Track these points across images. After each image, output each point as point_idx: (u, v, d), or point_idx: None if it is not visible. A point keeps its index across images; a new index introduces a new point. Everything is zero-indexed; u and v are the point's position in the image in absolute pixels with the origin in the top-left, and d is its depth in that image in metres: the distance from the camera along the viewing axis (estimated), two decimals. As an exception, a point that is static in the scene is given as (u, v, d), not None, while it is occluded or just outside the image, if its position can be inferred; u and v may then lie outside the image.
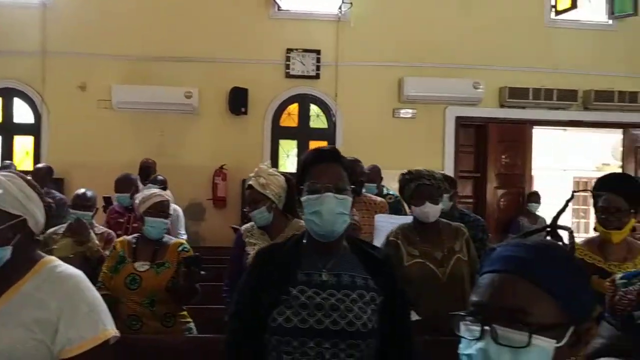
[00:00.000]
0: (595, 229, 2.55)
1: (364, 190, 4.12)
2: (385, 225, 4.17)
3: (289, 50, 6.76)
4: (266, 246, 1.80)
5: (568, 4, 6.80)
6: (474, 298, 0.93)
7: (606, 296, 1.72)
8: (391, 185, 5.62)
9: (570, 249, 0.97)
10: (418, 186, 2.74)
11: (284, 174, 2.94)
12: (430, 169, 2.87)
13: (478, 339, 0.88)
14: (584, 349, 0.94)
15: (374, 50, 6.78)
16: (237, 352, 1.62)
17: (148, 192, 2.93)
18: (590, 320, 0.94)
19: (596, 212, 2.50)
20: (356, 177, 4.21)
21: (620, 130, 7.39)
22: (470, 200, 7.11)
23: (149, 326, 2.69)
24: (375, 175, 4.72)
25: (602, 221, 2.45)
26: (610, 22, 7.15)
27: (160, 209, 2.81)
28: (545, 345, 0.86)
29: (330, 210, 1.58)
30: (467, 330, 0.90)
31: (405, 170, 2.87)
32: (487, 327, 0.87)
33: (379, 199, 4.19)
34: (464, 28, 6.85)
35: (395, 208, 4.58)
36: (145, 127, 6.67)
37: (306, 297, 1.57)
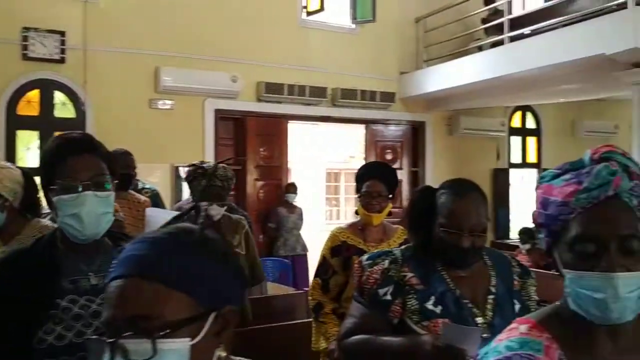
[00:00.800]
0: (357, 213, 2.73)
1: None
2: (157, 219, 3.97)
3: (27, 29, 5.95)
4: (6, 255, 1.48)
5: (317, 6, 7.24)
6: (103, 313, 0.82)
7: (354, 277, 1.81)
8: (148, 179, 5.36)
9: (201, 231, 0.89)
10: (210, 186, 2.69)
11: (21, 168, 2.54)
12: (224, 166, 2.84)
13: None
14: (231, 331, 0.88)
15: (127, 36, 6.35)
16: None
17: None
18: (235, 302, 0.88)
19: (359, 197, 2.66)
20: (120, 168, 3.94)
21: (363, 126, 8.16)
22: (232, 193, 7.15)
23: None
24: (130, 169, 4.43)
25: (366, 205, 2.62)
26: (354, 26, 7.83)
27: None
28: (177, 346, 0.79)
29: (92, 212, 1.37)
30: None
31: (197, 162, 2.81)
32: (115, 345, 0.77)
33: (142, 197, 3.99)
34: (222, 21, 6.84)
35: (153, 202, 4.40)
36: None
37: (80, 307, 1.36)
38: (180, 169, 6.52)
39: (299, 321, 2.96)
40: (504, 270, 1.73)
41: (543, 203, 1.00)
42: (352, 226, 2.75)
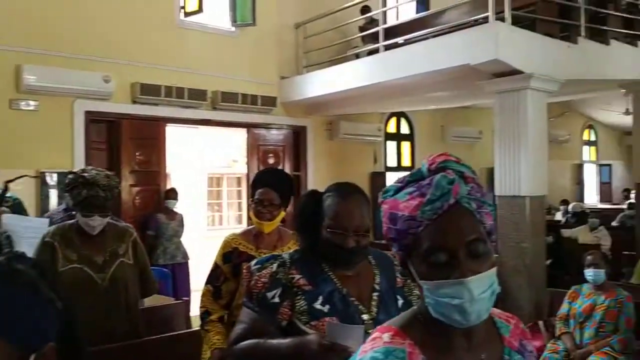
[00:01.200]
0: (250, 219, 2.71)
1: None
2: (16, 228, 3.64)
3: None
4: None
5: (196, 7, 7.08)
6: None
7: (243, 282, 1.82)
8: (11, 186, 4.91)
9: (8, 261, 0.77)
10: (91, 197, 2.57)
11: None
12: (108, 174, 2.69)
13: None
14: None
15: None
16: None
17: None
18: (53, 337, 0.78)
19: (253, 203, 2.64)
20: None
21: (245, 130, 8.09)
22: (105, 200, 6.77)
23: None
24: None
25: (257, 213, 2.60)
26: (234, 29, 7.74)
27: None
28: None
29: None
30: None
31: (78, 170, 2.68)
32: None
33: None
34: (93, 17, 6.45)
35: (16, 212, 4.09)
36: None
37: None
38: (47, 175, 6.06)
39: (178, 332, 2.85)
40: (387, 269, 1.82)
41: (391, 218, 1.02)
42: (245, 233, 2.73)
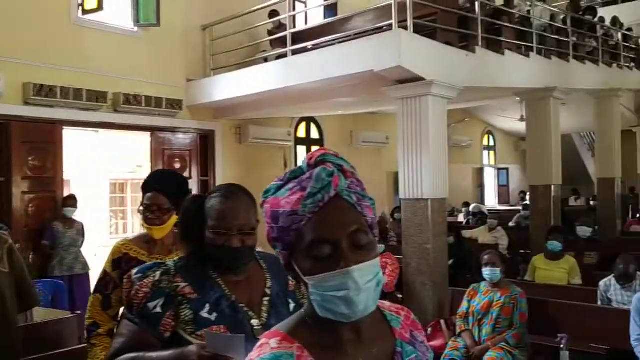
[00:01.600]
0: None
1: None
2: None
3: None
4: None
5: (95, 5, 6.73)
6: None
7: (123, 292, 1.71)
8: None
9: None
10: None
11: None
12: None
13: None
14: None
15: None
16: None
17: None
18: None
19: (142, 208, 2.50)
20: None
21: (149, 133, 7.80)
22: (-7, 209, 6.28)
23: None
24: None
25: (145, 219, 2.47)
26: (136, 29, 7.45)
27: None
28: None
29: None
30: None
31: None
32: None
33: None
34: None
35: None
36: None
37: None
38: None
39: (68, 349, 2.66)
40: (278, 272, 1.76)
41: (273, 217, 1.00)
42: (138, 238, 2.60)
